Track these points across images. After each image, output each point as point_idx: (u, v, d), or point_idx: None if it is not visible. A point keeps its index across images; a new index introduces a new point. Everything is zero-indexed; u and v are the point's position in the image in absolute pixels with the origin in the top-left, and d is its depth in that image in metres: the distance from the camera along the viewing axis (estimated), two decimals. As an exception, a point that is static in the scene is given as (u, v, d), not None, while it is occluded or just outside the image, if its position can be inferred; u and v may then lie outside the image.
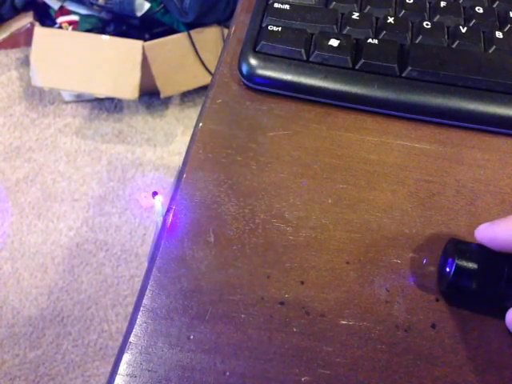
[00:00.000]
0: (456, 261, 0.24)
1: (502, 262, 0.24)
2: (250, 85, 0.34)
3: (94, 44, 1.18)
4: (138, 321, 0.25)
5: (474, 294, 0.24)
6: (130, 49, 1.17)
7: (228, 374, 0.24)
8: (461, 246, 0.25)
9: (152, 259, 0.27)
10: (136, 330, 0.25)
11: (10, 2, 1.25)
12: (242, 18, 0.38)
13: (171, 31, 1.20)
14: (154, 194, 0.29)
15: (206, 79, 1.25)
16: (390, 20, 0.34)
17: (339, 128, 0.32)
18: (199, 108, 0.34)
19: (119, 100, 1.34)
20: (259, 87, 0.33)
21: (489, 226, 0.25)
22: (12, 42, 1.36)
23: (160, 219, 0.29)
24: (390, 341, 0.25)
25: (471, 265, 0.24)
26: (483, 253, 0.24)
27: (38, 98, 1.37)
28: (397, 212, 0.29)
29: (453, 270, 0.24)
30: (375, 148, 0.32)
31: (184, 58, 1.22)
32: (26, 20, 1.28)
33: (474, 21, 0.34)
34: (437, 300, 0.26)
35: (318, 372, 0.24)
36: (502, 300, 0.24)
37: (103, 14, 1.21)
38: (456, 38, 0.33)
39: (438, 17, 0.35)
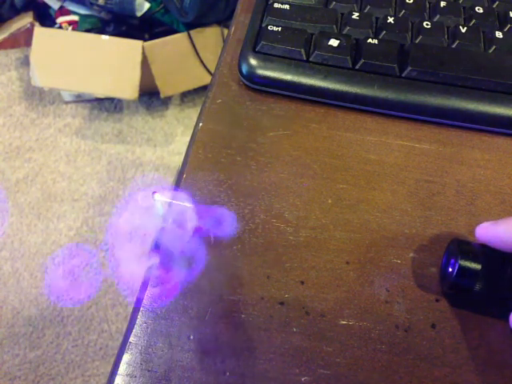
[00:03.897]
0: (459, 261, 0.24)
1: (505, 263, 0.24)
2: (250, 85, 0.34)
3: (94, 44, 1.18)
4: (138, 321, 0.25)
5: (477, 295, 0.24)
6: (130, 49, 1.17)
7: (228, 374, 0.24)
8: (463, 247, 0.25)
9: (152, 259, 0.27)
10: (136, 330, 0.25)
11: (9, 2, 1.25)
12: (241, 18, 0.38)
13: (171, 31, 1.20)
14: (154, 193, 0.29)
15: (206, 79, 1.25)
16: (390, 20, 0.34)
17: (339, 128, 0.32)
18: (199, 108, 0.34)
19: (119, 100, 1.34)
20: (259, 87, 0.33)
21: (492, 225, 0.25)
22: (12, 42, 1.36)
23: (160, 219, 0.29)
24: (390, 341, 0.25)
25: (474, 265, 0.24)
26: (486, 253, 0.24)
27: (38, 98, 1.37)
28: (397, 212, 0.29)
29: (455, 270, 0.24)
30: (375, 148, 0.32)
31: (184, 58, 1.22)
32: (26, 20, 1.27)
33: (473, 21, 0.34)
34: (437, 300, 0.26)
35: (318, 372, 0.24)
36: (504, 300, 0.24)
37: (103, 14, 1.21)
38: (456, 38, 0.33)
39: (437, 17, 0.35)
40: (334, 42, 0.33)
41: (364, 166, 0.31)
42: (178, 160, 1.28)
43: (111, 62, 1.18)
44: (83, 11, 1.21)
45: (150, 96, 1.34)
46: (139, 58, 1.17)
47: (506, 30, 0.34)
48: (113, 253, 1.13)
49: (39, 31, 1.19)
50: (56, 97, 1.36)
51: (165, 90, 1.26)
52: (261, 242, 0.28)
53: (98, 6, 1.15)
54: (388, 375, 0.24)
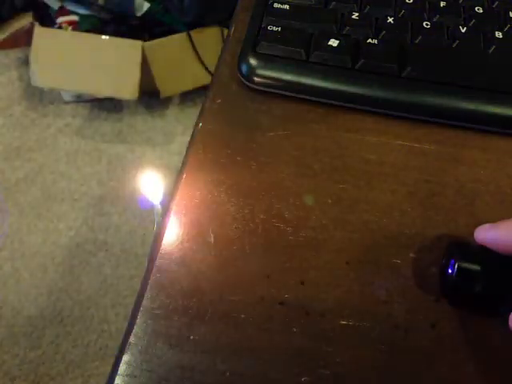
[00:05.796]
0: (458, 262, 0.24)
1: (505, 264, 0.24)
2: (250, 85, 0.34)
3: (94, 44, 1.18)
4: (138, 321, 0.25)
5: (477, 296, 0.24)
6: (130, 49, 1.17)
7: (228, 374, 0.24)
8: (463, 248, 0.25)
9: (152, 259, 0.27)
10: (136, 330, 0.25)
11: (9, 2, 1.25)
12: (241, 18, 0.38)
13: (171, 31, 1.20)
14: (154, 194, 0.29)
15: (206, 79, 1.25)
16: (390, 20, 0.34)
17: (339, 128, 0.32)
18: (199, 108, 0.34)
19: (119, 100, 1.34)
20: (259, 87, 0.33)
21: (491, 227, 0.25)
22: (12, 42, 1.36)
23: (160, 219, 0.29)
24: (389, 341, 0.25)
25: (474, 266, 0.24)
26: (485, 254, 0.24)
27: (38, 97, 1.37)
28: (397, 212, 0.29)
29: (455, 271, 0.24)
30: (375, 148, 0.32)
31: (184, 57, 1.22)
32: (25, 20, 1.28)
33: (473, 21, 0.34)
34: (437, 300, 0.26)
35: (318, 372, 0.24)
36: (504, 302, 0.24)
37: (103, 14, 1.21)
38: (456, 38, 0.33)
39: (437, 17, 0.35)
40: (333, 42, 0.33)
41: (364, 166, 0.31)
42: (177, 160, 1.28)
43: (111, 62, 1.18)
44: (83, 11, 1.21)
45: (150, 96, 1.34)
46: (139, 58, 1.17)
47: (505, 29, 0.34)
48: (113, 253, 1.13)
49: (39, 31, 1.19)
50: (56, 97, 1.36)
51: (165, 90, 1.26)
52: (261, 242, 0.28)
53: (98, 5, 1.15)
54: (388, 375, 0.24)
